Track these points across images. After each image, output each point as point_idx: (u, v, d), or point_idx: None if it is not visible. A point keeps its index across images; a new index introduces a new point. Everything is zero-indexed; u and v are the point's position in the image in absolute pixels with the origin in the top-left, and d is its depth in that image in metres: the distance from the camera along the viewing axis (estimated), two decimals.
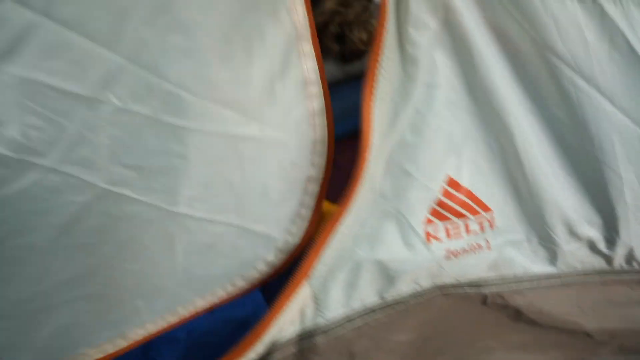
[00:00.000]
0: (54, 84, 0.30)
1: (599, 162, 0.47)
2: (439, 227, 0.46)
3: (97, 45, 0.30)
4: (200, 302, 0.43)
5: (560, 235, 0.50)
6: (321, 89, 0.41)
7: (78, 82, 0.30)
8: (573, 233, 0.50)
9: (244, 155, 0.38)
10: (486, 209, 0.48)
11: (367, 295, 0.47)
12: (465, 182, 0.46)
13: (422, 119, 0.43)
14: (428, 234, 0.46)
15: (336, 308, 0.46)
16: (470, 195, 0.47)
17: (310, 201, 0.45)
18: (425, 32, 0.41)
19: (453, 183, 0.46)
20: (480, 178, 0.47)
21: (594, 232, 0.51)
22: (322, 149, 0.44)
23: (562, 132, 0.47)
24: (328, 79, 1.09)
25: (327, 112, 0.42)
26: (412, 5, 0.40)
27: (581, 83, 0.43)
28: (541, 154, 0.47)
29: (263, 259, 0.44)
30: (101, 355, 0.41)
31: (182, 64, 0.32)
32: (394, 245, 0.46)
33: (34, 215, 0.33)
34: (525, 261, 0.51)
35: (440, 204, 0.46)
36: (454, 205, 0.46)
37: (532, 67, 0.44)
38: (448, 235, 0.47)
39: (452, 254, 0.47)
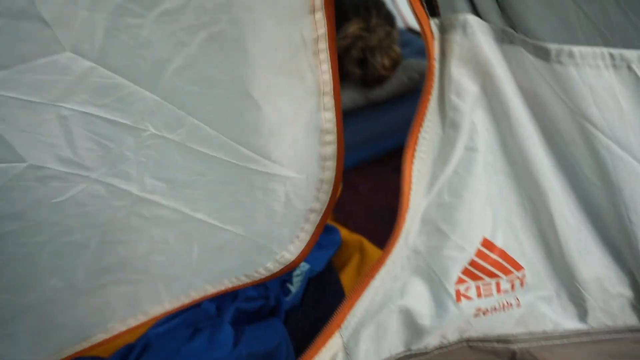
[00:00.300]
0: (103, 115, 0.36)
1: (631, 224, 0.47)
2: (471, 286, 0.47)
3: (138, 87, 0.36)
4: (209, 289, 0.51)
5: (590, 291, 0.50)
6: (336, 137, 0.43)
7: (123, 114, 0.37)
8: (604, 290, 0.50)
9: (254, 184, 0.43)
10: (518, 267, 0.48)
11: (395, 346, 0.48)
12: (499, 243, 0.47)
13: (460, 181, 0.44)
14: (458, 293, 0.47)
15: (365, 358, 0.47)
16: (503, 255, 0.47)
17: (310, 228, 0.48)
18: (466, 98, 0.42)
19: (488, 244, 0.47)
20: (513, 237, 0.48)
21: (625, 289, 0.51)
22: (328, 188, 0.46)
23: (595, 195, 0.47)
24: (350, 105, 1.11)
25: (338, 157, 0.44)
26: (454, 73, 0.41)
27: (616, 149, 0.44)
28: (572, 214, 0.48)
29: (263, 266, 0.50)
30: (125, 329, 0.49)
31: (203, 106, 0.38)
32: (423, 301, 0.46)
33: (79, 217, 0.40)
34: (555, 317, 0.51)
35: (474, 264, 0.47)
36: (487, 266, 0.46)
37: (567, 133, 0.45)
38: (479, 294, 0.47)
39: (482, 312, 0.48)
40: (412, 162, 0.43)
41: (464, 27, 0.40)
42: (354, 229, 0.89)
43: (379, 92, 1.06)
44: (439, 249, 0.46)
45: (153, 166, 0.39)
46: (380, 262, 0.44)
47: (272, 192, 0.44)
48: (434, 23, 0.41)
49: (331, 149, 0.43)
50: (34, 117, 0.34)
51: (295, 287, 0.73)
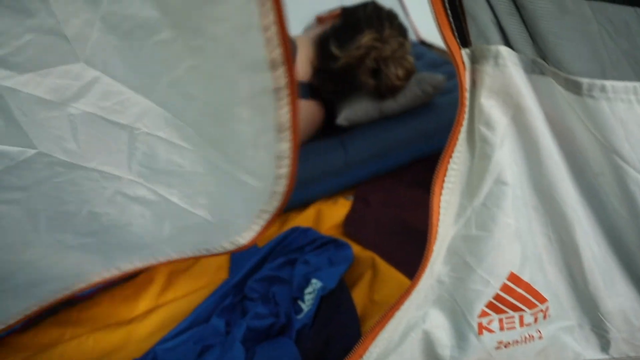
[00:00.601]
0: (105, 116, 0.43)
1: None
2: (494, 319, 0.46)
3: (136, 93, 0.43)
4: (174, 255, 0.61)
5: (614, 323, 0.49)
6: (290, 162, 0.49)
7: (121, 115, 0.44)
8: (628, 322, 0.50)
9: (221, 181, 0.51)
10: (542, 300, 0.47)
11: None
12: (526, 277, 0.46)
13: (489, 215, 0.43)
14: (481, 325, 0.46)
15: None
16: (529, 289, 0.46)
17: (262, 222, 0.57)
18: (496, 129, 0.41)
19: (514, 278, 0.46)
20: (539, 270, 0.47)
21: None
22: (280, 198, 0.53)
23: (622, 227, 0.47)
24: (363, 118, 1.12)
25: (290, 177, 0.51)
26: (484, 104, 0.41)
27: None
28: (598, 245, 0.47)
29: (220, 244, 0.60)
30: (100, 279, 0.58)
31: (186, 113, 0.46)
32: (444, 331, 0.46)
33: (74, 193, 0.47)
34: (576, 347, 0.50)
35: (499, 298, 0.46)
36: (512, 300, 0.46)
37: (595, 165, 0.44)
38: (502, 327, 0.46)
39: (504, 345, 0.47)
40: (440, 193, 0.42)
41: (496, 58, 0.40)
42: (363, 243, 0.88)
43: (392, 105, 1.05)
44: (463, 281, 0.45)
45: (141, 157, 0.48)
46: (407, 293, 0.43)
47: (235, 189, 0.52)
48: (465, 53, 0.40)
49: (286, 171, 0.49)
50: (48, 113, 0.41)
51: (307, 304, 0.72)
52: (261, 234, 0.58)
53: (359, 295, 0.76)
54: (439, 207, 0.42)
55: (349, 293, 0.75)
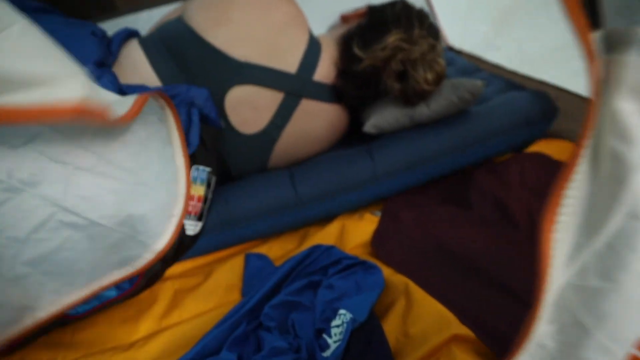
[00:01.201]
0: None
1: None
2: None
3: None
4: (105, 280, 0.63)
5: None
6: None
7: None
8: None
9: (139, 198, 0.62)
10: None
11: None
12: None
13: (617, 260, 0.32)
14: None
15: None
16: None
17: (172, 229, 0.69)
18: (635, 144, 0.30)
19: None
20: None
21: None
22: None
23: None
24: (394, 125, 1.01)
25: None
26: (620, 108, 0.29)
27: None
28: None
29: (143, 257, 0.65)
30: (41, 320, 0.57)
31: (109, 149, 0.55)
32: None
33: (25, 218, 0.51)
34: None
35: None
36: None
37: None
38: None
39: None
40: (551, 230, 0.31)
41: None
42: (394, 265, 0.78)
43: (425, 112, 0.95)
44: (575, 347, 0.33)
45: (73, 185, 0.54)
46: None
47: (148, 204, 0.63)
48: (598, 37, 0.30)
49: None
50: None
51: (334, 340, 0.61)
52: (174, 236, 0.68)
53: (390, 328, 0.66)
54: (549, 248, 0.31)
55: (380, 326, 0.64)
